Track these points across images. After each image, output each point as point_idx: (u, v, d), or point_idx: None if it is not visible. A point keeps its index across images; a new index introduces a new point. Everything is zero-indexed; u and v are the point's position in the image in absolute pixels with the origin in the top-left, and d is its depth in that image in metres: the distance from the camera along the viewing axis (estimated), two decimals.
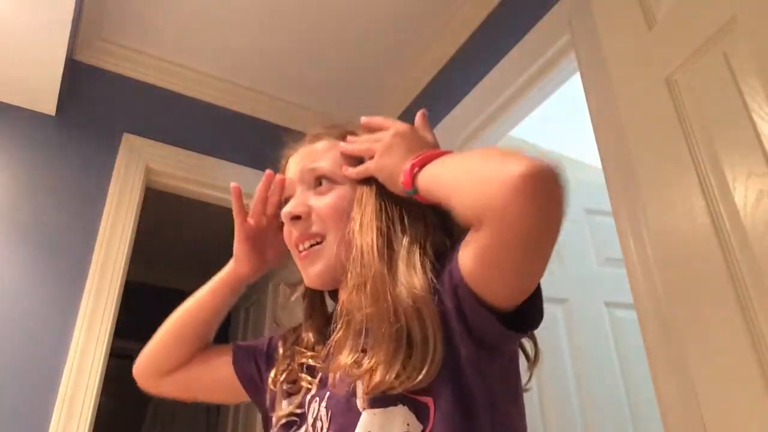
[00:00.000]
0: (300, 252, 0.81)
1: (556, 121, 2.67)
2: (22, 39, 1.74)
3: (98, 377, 1.73)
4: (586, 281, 2.02)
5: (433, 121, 2.13)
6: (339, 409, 0.70)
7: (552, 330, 1.91)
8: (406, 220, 0.74)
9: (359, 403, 0.67)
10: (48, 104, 1.98)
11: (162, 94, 2.27)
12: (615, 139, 1.35)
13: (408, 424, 0.64)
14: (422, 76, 2.28)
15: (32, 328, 1.73)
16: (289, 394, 0.80)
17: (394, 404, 0.64)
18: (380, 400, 0.65)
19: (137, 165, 2.07)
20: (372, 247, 0.72)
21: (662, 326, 1.14)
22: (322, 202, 0.80)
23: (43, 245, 1.84)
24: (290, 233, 0.83)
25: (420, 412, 0.64)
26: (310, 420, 0.73)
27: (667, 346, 1.12)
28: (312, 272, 0.80)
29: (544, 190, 0.57)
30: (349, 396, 0.69)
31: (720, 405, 0.94)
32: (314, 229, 0.80)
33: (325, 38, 2.19)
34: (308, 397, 0.76)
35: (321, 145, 0.85)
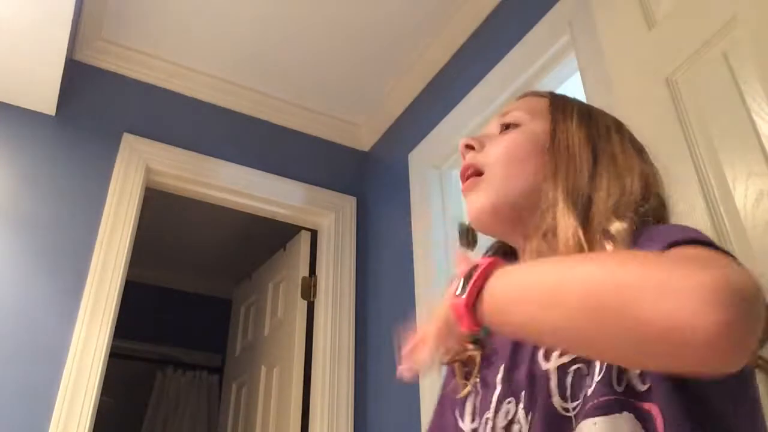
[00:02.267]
0: (463, 183, 0.78)
1: None
2: (22, 39, 1.74)
3: (98, 377, 1.73)
4: None
5: (432, 121, 2.15)
6: (542, 414, 0.59)
7: None
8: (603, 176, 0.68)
9: (570, 407, 0.57)
10: (48, 104, 1.98)
11: (162, 93, 2.27)
12: None
13: None
14: (422, 76, 2.28)
15: (32, 328, 1.73)
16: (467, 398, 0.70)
17: (619, 411, 0.54)
18: (601, 407, 0.54)
19: (137, 165, 2.07)
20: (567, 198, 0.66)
21: None
22: (498, 140, 0.77)
23: (43, 245, 1.84)
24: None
25: (645, 422, 0.53)
26: (501, 423, 0.63)
27: None
28: (472, 204, 0.76)
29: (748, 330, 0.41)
30: (548, 399, 0.59)
31: None
32: (479, 159, 0.76)
33: (325, 39, 2.19)
34: (495, 396, 0.66)
35: (516, 103, 0.82)
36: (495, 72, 1.89)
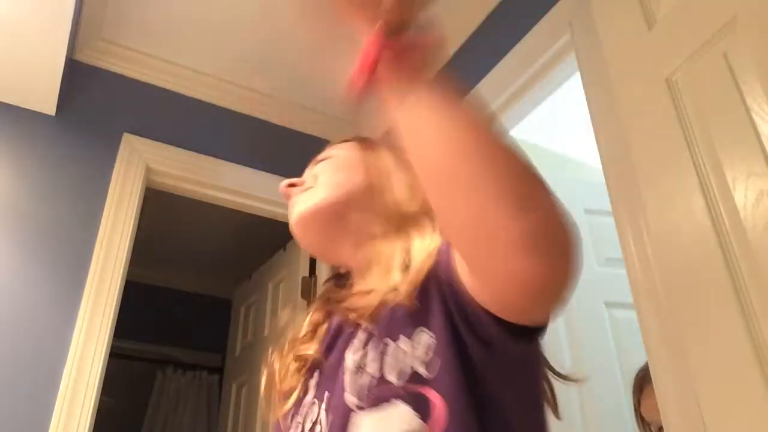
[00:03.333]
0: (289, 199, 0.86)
1: (556, 122, 2.67)
2: (22, 39, 1.74)
3: (98, 377, 1.73)
4: (586, 281, 2.00)
5: None
6: (338, 413, 0.64)
7: (552, 330, 1.91)
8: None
9: (358, 403, 0.62)
10: (48, 104, 1.98)
11: (162, 94, 2.27)
12: (615, 139, 1.35)
13: (408, 422, 0.57)
14: None
15: (32, 328, 1.73)
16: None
17: (394, 402, 0.59)
18: (377, 399, 0.60)
19: (137, 165, 2.07)
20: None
21: (662, 326, 1.14)
22: (318, 165, 0.85)
23: (43, 245, 1.84)
24: None
25: (424, 409, 0.58)
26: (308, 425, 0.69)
27: (667, 346, 1.12)
28: (299, 205, 0.83)
29: (555, 252, 0.49)
30: (342, 396, 0.64)
31: (720, 405, 0.94)
32: (306, 181, 0.85)
33: (325, 38, 2.19)
34: (306, 400, 0.72)
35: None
36: (495, 72, 1.89)
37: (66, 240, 1.86)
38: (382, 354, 0.63)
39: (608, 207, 1.37)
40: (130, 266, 1.95)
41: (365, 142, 0.86)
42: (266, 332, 2.59)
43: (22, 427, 1.62)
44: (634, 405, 1.41)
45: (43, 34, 1.73)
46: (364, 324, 0.67)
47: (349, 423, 0.61)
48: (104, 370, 1.76)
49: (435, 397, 0.57)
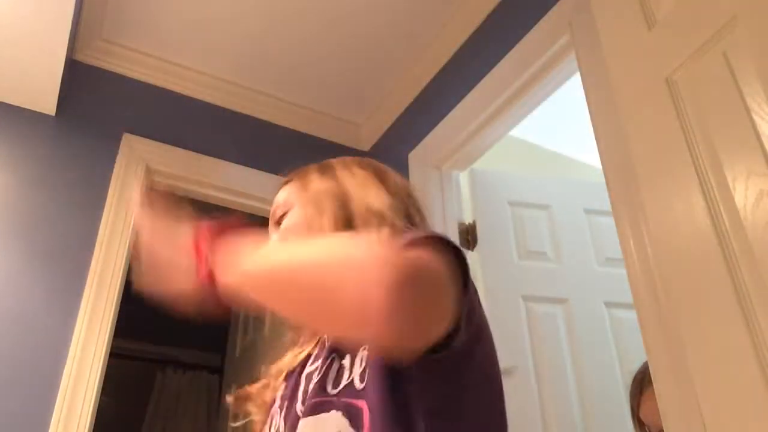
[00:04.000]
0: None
1: (556, 121, 2.67)
2: (22, 39, 1.74)
3: (98, 377, 1.73)
4: (586, 281, 2.02)
5: (432, 121, 2.15)
6: (290, 422, 0.69)
7: (552, 330, 1.91)
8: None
9: (299, 407, 0.68)
10: (48, 104, 1.98)
11: (162, 94, 2.27)
12: (615, 139, 1.35)
13: (338, 430, 0.61)
14: (422, 76, 2.28)
15: (32, 328, 1.73)
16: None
17: (327, 410, 0.63)
18: (314, 407, 0.64)
19: (137, 165, 2.07)
20: None
21: (662, 326, 1.14)
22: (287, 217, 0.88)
23: (43, 245, 1.83)
24: None
25: (355, 418, 0.61)
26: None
27: (667, 346, 1.12)
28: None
29: (419, 292, 0.50)
30: (293, 405, 0.70)
31: (720, 405, 0.94)
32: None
33: (325, 38, 2.19)
34: (272, 410, 0.78)
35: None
36: (495, 72, 1.89)
37: (66, 240, 1.86)
38: (328, 367, 0.68)
39: (608, 207, 1.37)
40: (130, 266, 1.95)
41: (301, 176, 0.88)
42: (266, 332, 2.59)
43: (22, 427, 1.62)
44: (633, 407, 1.40)
45: (43, 34, 1.73)
46: (329, 342, 0.73)
47: (296, 430, 0.66)
48: (104, 370, 1.76)
49: (365, 406, 0.61)
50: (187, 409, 3.52)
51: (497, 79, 1.87)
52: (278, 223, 0.85)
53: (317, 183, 0.84)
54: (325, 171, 0.87)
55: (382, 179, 0.84)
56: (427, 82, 2.27)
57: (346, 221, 0.76)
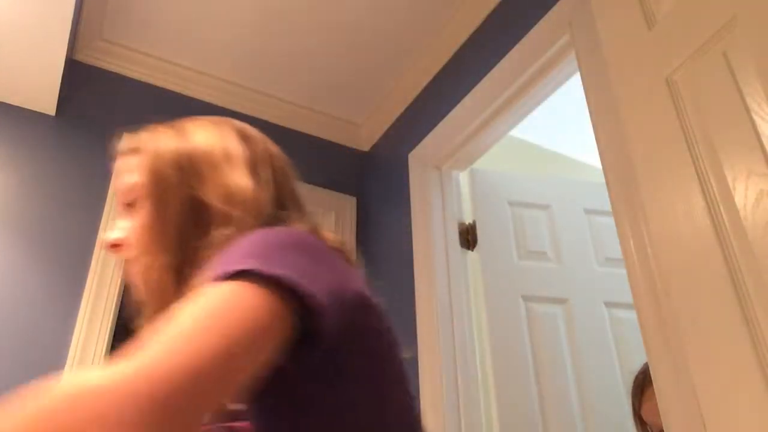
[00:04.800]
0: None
1: (556, 121, 2.68)
2: (22, 39, 1.74)
3: None
4: (586, 281, 2.02)
5: (432, 121, 2.15)
6: None
7: (552, 330, 1.92)
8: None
9: None
10: (48, 104, 1.98)
11: (162, 94, 2.27)
12: (615, 139, 1.35)
13: None
14: (422, 76, 2.28)
15: (32, 328, 1.73)
16: None
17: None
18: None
19: None
20: None
21: (662, 326, 1.14)
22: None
23: (43, 245, 1.84)
24: None
25: None
26: None
27: (667, 346, 1.12)
28: None
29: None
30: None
31: (720, 405, 0.94)
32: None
33: (325, 38, 2.19)
34: None
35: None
36: (495, 72, 1.89)
37: (66, 240, 1.86)
38: None
39: (608, 207, 1.37)
40: None
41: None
42: None
43: None
44: (634, 407, 1.40)
45: (43, 34, 1.73)
46: None
47: None
48: None
49: (244, 426, 0.57)
50: None
51: (497, 79, 1.87)
52: (129, 205, 0.75)
53: (165, 159, 0.73)
54: (177, 137, 0.76)
55: (246, 145, 0.72)
56: (427, 82, 2.27)
57: (195, 219, 0.66)
